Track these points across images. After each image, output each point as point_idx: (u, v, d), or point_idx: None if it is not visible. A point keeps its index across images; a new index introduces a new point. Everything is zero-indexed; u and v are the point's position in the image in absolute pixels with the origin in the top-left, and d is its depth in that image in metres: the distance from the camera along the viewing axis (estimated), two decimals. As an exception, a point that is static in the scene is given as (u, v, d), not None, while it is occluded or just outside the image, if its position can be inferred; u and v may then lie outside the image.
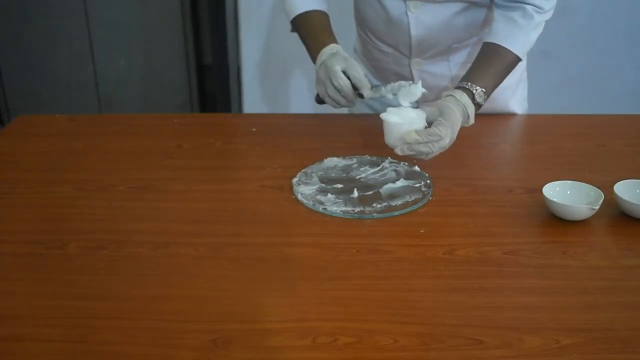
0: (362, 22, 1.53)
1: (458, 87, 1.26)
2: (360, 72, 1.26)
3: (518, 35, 1.31)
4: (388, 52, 1.50)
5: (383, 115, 1.19)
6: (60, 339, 0.85)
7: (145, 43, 3.02)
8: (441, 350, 0.83)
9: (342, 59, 1.28)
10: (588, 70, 2.65)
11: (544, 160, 1.34)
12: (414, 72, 1.49)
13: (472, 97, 1.24)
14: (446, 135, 1.15)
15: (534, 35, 1.34)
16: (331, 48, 1.32)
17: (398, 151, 1.17)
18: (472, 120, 1.25)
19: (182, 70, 3.08)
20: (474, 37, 1.45)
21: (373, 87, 1.26)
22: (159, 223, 1.12)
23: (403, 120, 1.17)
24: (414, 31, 1.41)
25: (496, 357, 0.82)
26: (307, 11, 1.42)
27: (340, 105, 1.30)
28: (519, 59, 1.33)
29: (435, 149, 1.16)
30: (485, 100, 1.27)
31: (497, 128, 1.53)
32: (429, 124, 1.18)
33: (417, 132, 1.15)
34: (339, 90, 1.27)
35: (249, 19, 2.62)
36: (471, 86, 1.25)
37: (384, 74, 1.56)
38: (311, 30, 1.40)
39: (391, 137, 1.18)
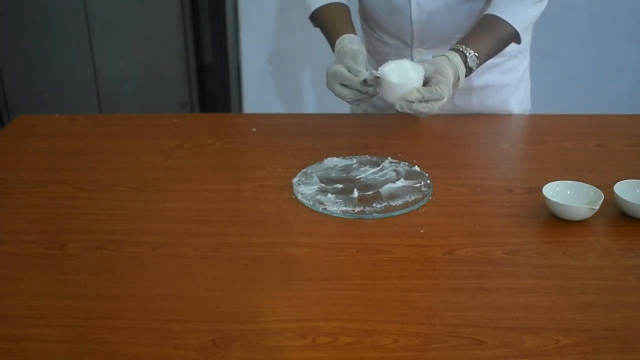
0: (365, 14, 1.54)
1: (451, 49, 1.28)
2: (355, 76, 1.24)
3: (517, 8, 1.33)
4: (390, 43, 1.51)
5: (382, 72, 1.19)
6: (60, 339, 0.85)
7: (145, 43, 3.02)
8: (441, 350, 0.83)
9: (332, 73, 1.24)
10: (588, 70, 2.65)
11: (544, 160, 1.34)
12: None
13: (464, 59, 1.26)
14: (446, 93, 1.18)
15: (534, 11, 1.36)
16: (338, 43, 1.33)
17: (397, 107, 1.18)
18: (461, 83, 1.26)
19: (182, 70, 3.08)
20: None
21: (366, 78, 1.24)
22: (159, 223, 1.12)
23: (402, 79, 1.18)
24: (416, 16, 1.42)
25: (496, 357, 0.82)
26: (324, 4, 1.44)
27: (368, 95, 1.26)
28: (516, 34, 1.34)
29: (436, 108, 1.18)
30: (477, 65, 1.28)
31: (497, 128, 1.53)
32: (426, 79, 1.20)
33: (418, 90, 1.17)
34: (356, 99, 1.27)
35: (249, 19, 2.62)
36: (465, 49, 1.27)
37: None
38: (324, 25, 1.43)
39: (391, 95, 1.20)
